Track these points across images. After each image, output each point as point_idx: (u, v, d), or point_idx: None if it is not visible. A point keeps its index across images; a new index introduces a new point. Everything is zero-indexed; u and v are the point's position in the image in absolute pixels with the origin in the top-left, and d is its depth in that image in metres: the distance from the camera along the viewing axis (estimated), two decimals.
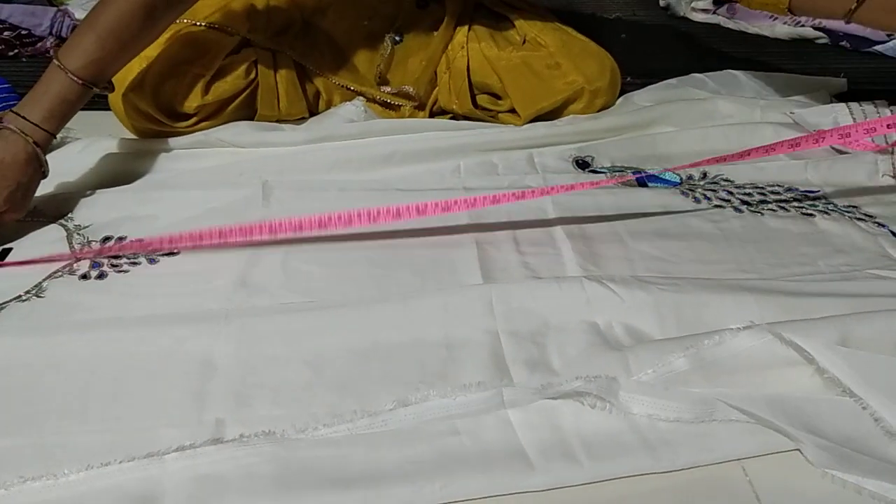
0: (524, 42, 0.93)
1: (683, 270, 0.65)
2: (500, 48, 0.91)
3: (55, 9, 1.20)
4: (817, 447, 0.46)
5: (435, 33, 0.92)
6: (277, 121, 0.90)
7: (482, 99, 0.94)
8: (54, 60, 0.69)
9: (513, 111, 0.92)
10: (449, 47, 0.93)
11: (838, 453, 0.45)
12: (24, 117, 0.68)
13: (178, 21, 0.84)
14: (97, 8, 0.71)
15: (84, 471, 0.44)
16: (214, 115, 0.87)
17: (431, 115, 0.94)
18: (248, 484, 0.44)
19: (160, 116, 0.83)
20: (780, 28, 1.25)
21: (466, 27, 0.93)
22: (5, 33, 1.15)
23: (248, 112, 0.90)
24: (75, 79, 0.69)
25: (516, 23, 0.94)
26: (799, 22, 1.23)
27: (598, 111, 0.93)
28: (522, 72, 0.90)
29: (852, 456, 0.45)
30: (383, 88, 0.93)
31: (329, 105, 0.94)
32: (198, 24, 0.85)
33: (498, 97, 0.93)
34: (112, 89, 0.76)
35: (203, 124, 0.86)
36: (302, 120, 0.92)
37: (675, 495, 0.45)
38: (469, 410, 0.49)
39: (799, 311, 0.56)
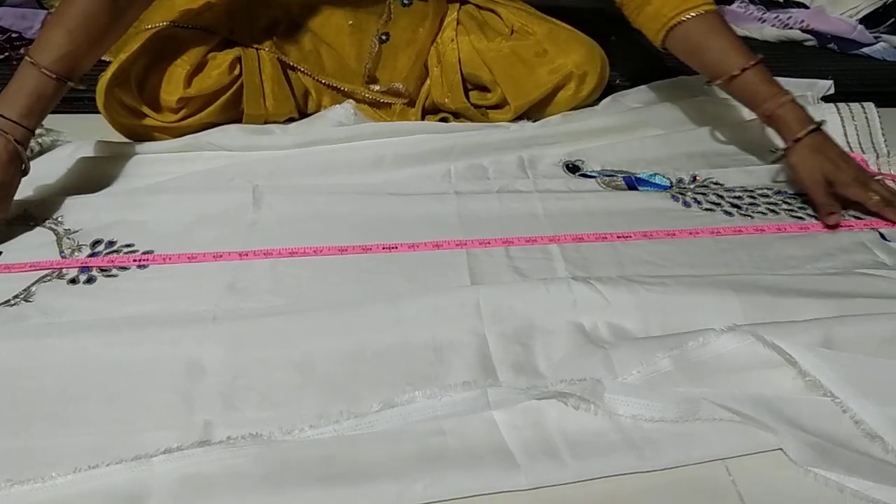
0: (512, 32, 0.93)
1: (673, 274, 0.65)
2: (490, 39, 0.92)
3: (46, 11, 1.19)
4: (800, 444, 0.46)
5: (421, 29, 0.92)
6: (265, 121, 0.90)
7: (472, 94, 0.94)
8: (26, 57, 0.69)
9: (501, 106, 0.93)
10: (439, 41, 0.93)
11: (820, 449, 0.46)
12: (1, 115, 0.67)
13: (158, 24, 0.84)
14: (64, 2, 0.71)
15: (71, 473, 0.44)
16: (200, 110, 0.86)
17: (423, 113, 0.94)
18: (233, 483, 0.44)
19: (145, 110, 0.83)
20: (769, 30, 1.26)
21: (455, 21, 0.93)
22: None
23: (236, 112, 0.89)
24: (48, 73, 0.69)
25: (503, 14, 0.94)
26: (787, 24, 1.24)
27: (588, 97, 0.93)
28: (512, 62, 0.91)
29: (834, 452, 0.46)
30: (372, 87, 0.93)
31: (319, 105, 0.94)
32: (178, 24, 0.85)
33: (488, 90, 0.93)
34: (84, 85, 0.75)
35: (189, 120, 0.86)
36: (291, 120, 0.92)
37: (660, 495, 0.45)
38: (455, 411, 0.49)
39: (783, 312, 0.57)
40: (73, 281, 0.64)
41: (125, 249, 0.68)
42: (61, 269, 0.65)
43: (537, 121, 0.92)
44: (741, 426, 0.48)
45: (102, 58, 1.05)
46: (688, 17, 0.78)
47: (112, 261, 0.66)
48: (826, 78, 1.01)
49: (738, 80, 0.77)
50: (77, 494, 0.43)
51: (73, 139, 0.85)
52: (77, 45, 0.70)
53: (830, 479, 0.45)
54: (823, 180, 0.74)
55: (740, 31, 1.34)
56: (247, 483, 0.44)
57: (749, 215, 0.76)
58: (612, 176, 0.84)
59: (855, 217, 0.76)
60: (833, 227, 0.73)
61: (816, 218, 0.75)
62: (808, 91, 1.02)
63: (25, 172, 0.71)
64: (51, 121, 0.72)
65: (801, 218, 0.76)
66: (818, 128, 0.76)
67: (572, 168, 0.86)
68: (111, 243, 0.69)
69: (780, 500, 0.45)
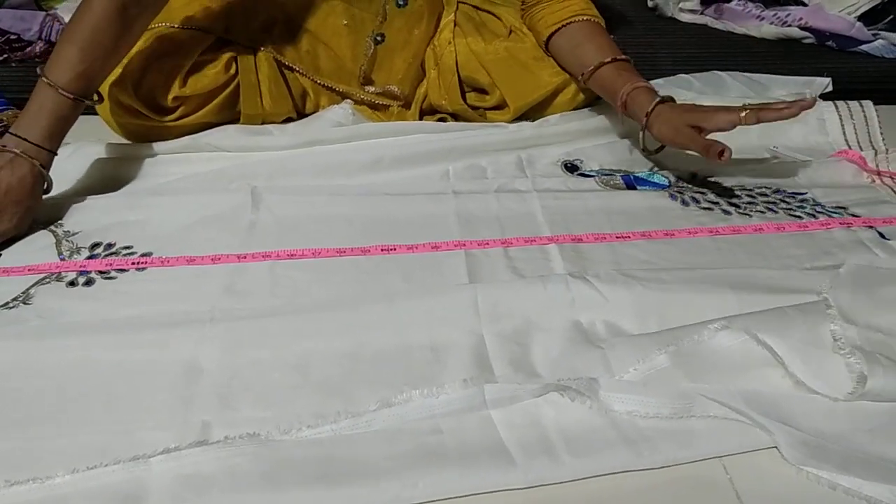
0: (510, 34, 0.93)
1: (671, 270, 0.65)
2: (487, 41, 0.91)
3: (44, 13, 1.20)
4: (792, 442, 0.46)
5: (416, 31, 0.92)
6: (263, 121, 0.90)
7: (470, 96, 0.94)
8: (42, 78, 0.70)
9: (499, 107, 0.92)
10: (436, 43, 0.93)
11: (813, 447, 0.46)
12: (24, 139, 0.68)
13: (154, 25, 0.84)
14: (73, 21, 0.72)
15: (70, 474, 0.44)
16: (197, 110, 0.86)
17: (420, 114, 0.94)
18: (232, 481, 0.44)
19: (142, 109, 0.83)
20: (767, 28, 1.26)
21: (452, 23, 0.93)
22: None
23: (233, 112, 0.89)
24: (66, 94, 0.69)
25: (501, 15, 0.94)
26: (785, 22, 1.24)
27: (585, 102, 0.93)
28: (510, 64, 0.90)
29: (827, 449, 0.46)
30: (367, 88, 0.93)
31: (317, 106, 0.94)
32: (174, 25, 0.85)
33: (485, 92, 0.93)
34: (101, 100, 0.77)
35: (186, 119, 0.86)
36: (289, 120, 0.92)
37: (658, 493, 0.45)
38: (452, 409, 0.49)
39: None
40: (72, 283, 0.64)
41: (124, 251, 0.68)
42: (60, 271, 0.65)
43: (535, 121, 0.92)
44: (738, 424, 0.48)
45: None
46: (578, 20, 0.85)
47: (111, 264, 0.66)
48: (824, 76, 1.02)
49: (596, 73, 0.82)
50: (75, 494, 0.44)
51: (72, 141, 0.85)
52: (91, 61, 0.70)
53: (822, 477, 0.45)
54: (690, 129, 0.73)
55: (738, 30, 1.35)
56: (244, 482, 0.44)
57: (747, 214, 0.76)
58: (611, 175, 0.84)
59: (852, 216, 0.76)
60: (722, 155, 0.69)
61: (815, 217, 0.75)
62: (807, 89, 1.02)
63: (48, 191, 0.73)
64: None
65: (799, 217, 0.76)
66: (665, 100, 0.78)
67: (571, 167, 0.86)
68: (110, 245, 0.69)
69: (778, 497, 0.45)
